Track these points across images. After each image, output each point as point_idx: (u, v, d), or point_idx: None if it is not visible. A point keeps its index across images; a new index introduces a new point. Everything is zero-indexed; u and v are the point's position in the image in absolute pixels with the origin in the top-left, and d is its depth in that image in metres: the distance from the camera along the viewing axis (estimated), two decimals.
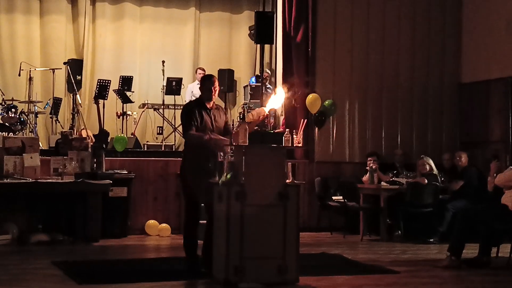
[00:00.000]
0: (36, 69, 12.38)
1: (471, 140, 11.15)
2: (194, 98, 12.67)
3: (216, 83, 6.61)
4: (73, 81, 11.99)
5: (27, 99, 11.78)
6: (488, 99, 10.97)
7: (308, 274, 6.34)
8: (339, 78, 10.97)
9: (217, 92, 6.61)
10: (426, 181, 9.53)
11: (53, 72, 12.14)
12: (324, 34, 10.90)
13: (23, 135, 10.80)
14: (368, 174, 9.92)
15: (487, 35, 11.04)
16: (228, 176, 5.90)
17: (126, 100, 12.21)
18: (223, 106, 13.08)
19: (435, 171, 9.70)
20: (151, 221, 9.82)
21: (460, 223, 7.35)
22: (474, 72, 11.24)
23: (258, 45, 13.38)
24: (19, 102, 11.47)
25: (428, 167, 9.66)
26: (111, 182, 9.04)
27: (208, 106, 6.55)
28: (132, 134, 12.17)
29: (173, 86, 12.47)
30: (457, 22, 11.53)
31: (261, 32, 11.64)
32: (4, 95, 11.53)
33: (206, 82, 6.65)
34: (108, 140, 10.64)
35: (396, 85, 11.24)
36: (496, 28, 10.86)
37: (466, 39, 11.45)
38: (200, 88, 6.80)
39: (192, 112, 6.46)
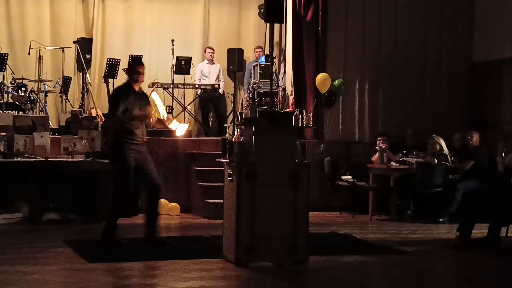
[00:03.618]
0: (46, 48, 12.36)
1: (482, 120, 11.08)
2: (203, 77, 12.82)
3: (143, 68, 6.88)
4: (82, 60, 11.97)
5: (37, 78, 11.78)
6: (500, 78, 10.89)
7: (317, 253, 6.36)
8: (350, 57, 10.89)
9: (143, 76, 6.92)
10: (436, 161, 9.48)
11: (63, 51, 12.12)
12: (335, 13, 10.81)
13: (33, 114, 10.81)
14: (378, 154, 9.90)
15: (499, 14, 10.93)
16: None
17: None
18: (233, 86, 13.15)
19: (446, 151, 9.65)
20: (161, 200, 9.81)
21: (470, 203, 7.34)
22: (487, 51, 11.15)
23: (268, 24, 13.33)
24: (29, 81, 11.48)
25: (438, 147, 9.60)
26: None
27: (136, 89, 6.85)
28: None
29: (183, 65, 12.44)
30: (470, 1, 11.41)
31: (271, 11, 11.51)
32: (14, 74, 11.54)
33: (133, 64, 6.95)
34: None
35: (408, 65, 11.15)
36: (509, 7, 10.74)
37: (478, 18, 11.35)
38: (127, 71, 7.13)
39: (120, 97, 6.74)
